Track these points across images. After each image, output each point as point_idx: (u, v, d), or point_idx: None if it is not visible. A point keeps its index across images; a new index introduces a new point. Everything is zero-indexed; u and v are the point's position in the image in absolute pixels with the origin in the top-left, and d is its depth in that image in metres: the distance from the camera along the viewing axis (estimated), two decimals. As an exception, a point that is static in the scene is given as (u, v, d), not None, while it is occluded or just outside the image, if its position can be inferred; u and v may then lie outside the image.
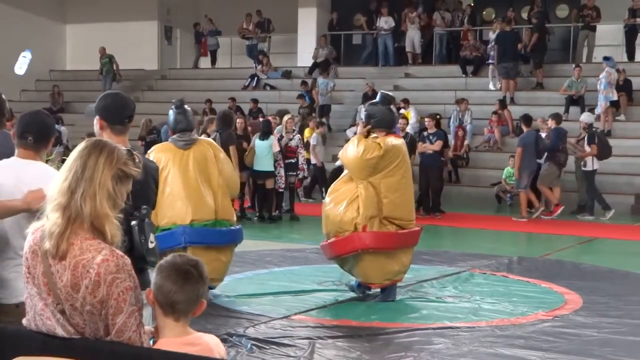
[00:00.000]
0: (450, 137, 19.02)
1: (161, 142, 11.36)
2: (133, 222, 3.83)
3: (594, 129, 16.22)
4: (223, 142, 13.57)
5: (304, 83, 23.06)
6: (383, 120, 8.37)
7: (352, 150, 8.29)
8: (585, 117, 16.47)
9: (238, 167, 13.93)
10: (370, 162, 8.12)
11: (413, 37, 23.65)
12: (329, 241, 8.36)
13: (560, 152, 15.65)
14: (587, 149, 15.70)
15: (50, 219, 2.86)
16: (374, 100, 8.89)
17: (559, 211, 15.41)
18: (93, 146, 2.95)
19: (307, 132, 18.22)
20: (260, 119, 16.29)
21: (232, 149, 13.60)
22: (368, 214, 8.05)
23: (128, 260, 2.87)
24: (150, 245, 3.96)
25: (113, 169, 2.91)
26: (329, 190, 8.61)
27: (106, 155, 2.92)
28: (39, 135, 4.23)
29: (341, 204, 8.19)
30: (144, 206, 3.95)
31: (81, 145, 2.98)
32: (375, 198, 8.09)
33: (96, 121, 4.29)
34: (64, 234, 2.83)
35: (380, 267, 8.23)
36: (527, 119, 15.96)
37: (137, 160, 3.02)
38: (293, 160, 14.87)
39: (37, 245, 2.90)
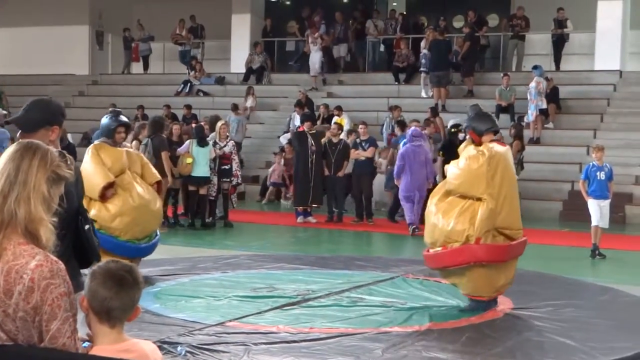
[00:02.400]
0: (383, 144, 19.15)
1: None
2: (87, 226, 3.85)
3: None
4: (155, 148, 13.52)
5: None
6: (482, 123, 8.21)
7: (457, 169, 8.07)
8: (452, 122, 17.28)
9: (170, 173, 13.85)
10: (480, 171, 7.89)
11: (314, 58, 23.22)
12: (434, 251, 8.17)
13: None
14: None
15: None
16: (471, 115, 8.64)
17: None
18: (25, 149, 2.89)
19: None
20: (193, 125, 16.18)
21: (164, 154, 13.53)
22: (485, 228, 7.84)
23: (62, 266, 2.82)
24: None
25: (47, 171, 2.85)
26: (434, 198, 8.35)
27: (40, 157, 2.86)
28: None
29: (451, 213, 7.97)
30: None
31: (12, 148, 2.91)
32: (494, 211, 7.87)
33: (49, 131, 4.30)
34: (-4, 239, 2.76)
35: (490, 280, 8.04)
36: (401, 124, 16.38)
37: (69, 162, 2.99)
38: (227, 167, 14.82)
39: (-32, 251, 2.82)
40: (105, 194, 9.15)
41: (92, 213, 9.02)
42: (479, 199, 7.91)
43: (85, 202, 9.30)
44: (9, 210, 2.78)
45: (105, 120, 9.53)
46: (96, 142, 9.62)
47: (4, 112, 14.96)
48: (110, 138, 9.36)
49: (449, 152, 13.95)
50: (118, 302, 2.93)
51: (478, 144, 8.18)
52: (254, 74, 24.50)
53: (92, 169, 9.12)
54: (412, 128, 15.06)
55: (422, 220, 14.11)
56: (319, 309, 8.25)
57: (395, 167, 14.64)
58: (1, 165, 2.86)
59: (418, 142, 14.44)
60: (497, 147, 8.12)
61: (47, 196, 2.84)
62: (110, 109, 10.10)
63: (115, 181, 9.29)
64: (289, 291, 8.88)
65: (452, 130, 15.03)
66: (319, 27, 24.05)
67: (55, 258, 2.82)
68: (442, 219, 8.04)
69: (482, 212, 7.83)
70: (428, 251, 8.33)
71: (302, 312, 8.17)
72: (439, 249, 8.08)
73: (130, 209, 9.29)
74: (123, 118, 9.47)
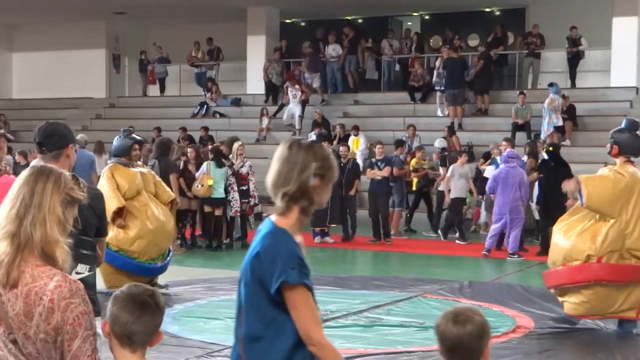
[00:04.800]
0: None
1: None
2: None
3: (445, 153, 17.06)
4: (162, 170, 13.48)
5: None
6: (630, 146, 8.17)
7: (599, 188, 7.98)
8: (437, 142, 17.61)
9: (178, 194, 13.92)
10: (622, 192, 7.87)
11: (293, 111, 22.56)
12: (554, 269, 8.15)
13: None
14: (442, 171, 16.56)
15: None
16: (620, 127, 8.51)
17: None
18: (39, 172, 2.93)
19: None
20: (209, 147, 16.23)
21: (172, 177, 13.51)
22: (609, 248, 7.77)
23: (81, 285, 2.84)
24: (77, 277, 3.90)
25: (61, 194, 2.89)
26: (559, 219, 8.42)
27: (53, 180, 2.90)
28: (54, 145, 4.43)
29: (572, 232, 7.96)
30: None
31: (26, 172, 2.95)
32: (623, 232, 7.81)
33: (70, 149, 4.44)
34: (14, 262, 2.79)
35: (607, 300, 7.95)
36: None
37: (81, 185, 3.01)
38: (244, 188, 14.84)
39: (-14, 275, 2.84)
40: (116, 218, 9.30)
41: (109, 236, 9.16)
42: (604, 219, 7.84)
43: None
44: (25, 232, 2.81)
45: (118, 140, 9.77)
46: (110, 163, 9.79)
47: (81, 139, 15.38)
48: (126, 156, 9.53)
49: (546, 171, 13.92)
50: (140, 326, 2.92)
51: (613, 156, 8.18)
52: (273, 90, 24.56)
53: (105, 192, 9.21)
54: (508, 150, 14.63)
55: (522, 247, 14.14)
56: (337, 329, 8.24)
57: (487, 187, 14.54)
58: (16, 189, 2.90)
59: (513, 163, 14.19)
60: (633, 169, 8.08)
61: (62, 218, 2.87)
62: (122, 129, 10.40)
63: (126, 206, 9.45)
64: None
65: (550, 149, 14.78)
66: (300, 79, 23.68)
67: (73, 278, 2.85)
68: (563, 237, 8.00)
69: (609, 232, 7.76)
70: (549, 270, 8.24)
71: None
72: (560, 267, 8.00)
73: (148, 232, 9.44)
74: (136, 136, 9.77)
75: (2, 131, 4.69)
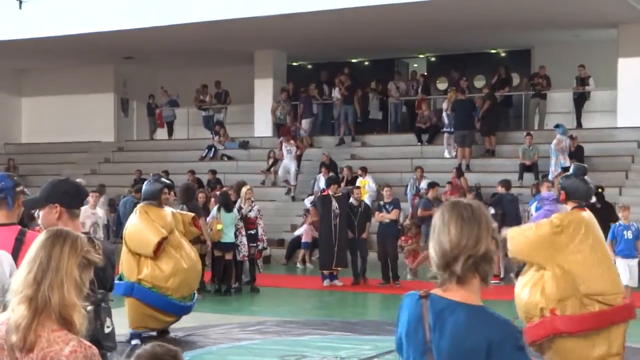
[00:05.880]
0: (407, 205, 19.18)
1: None
2: (89, 307, 3.80)
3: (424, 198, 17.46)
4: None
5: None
6: (577, 191, 7.98)
7: (518, 239, 7.85)
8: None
9: (208, 238, 14.05)
10: (548, 239, 7.59)
11: (289, 166, 22.45)
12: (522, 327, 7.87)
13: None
14: None
15: (17, 312, 2.84)
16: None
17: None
18: (56, 236, 2.95)
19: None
20: (218, 193, 16.32)
21: (201, 221, 13.55)
22: (556, 297, 7.47)
23: (96, 350, 2.86)
24: (107, 330, 3.90)
25: (78, 257, 2.92)
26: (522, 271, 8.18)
27: (70, 244, 2.93)
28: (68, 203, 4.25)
29: (526, 287, 7.71)
30: (100, 290, 3.92)
31: (43, 236, 2.98)
32: (565, 279, 7.47)
33: (50, 209, 4.22)
34: (30, 326, 2.82)
35: (581, 352, 7.57)
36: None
37: (97, 247, 3.04)
38: (253, 232, 14.87)
39: (3, 339, 2.87)
40: (159, 249, 9.61)
41: (144, 273, 9.48)
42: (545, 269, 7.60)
43: (135, 262, 9.81)
44: (42, 296, 2.84)
45: (148, 184, 10.13)
46: (141, 204, 10.08)
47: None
48: (156, 200, 9.85)
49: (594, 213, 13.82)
50: None
51: (562, 202, 8.11)
52: (282, 128, 24.67)
53: (143, 227, 9.57)
54: (547, 192, 14.49)
55: None
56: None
57: None
58: (33, 253, 2.93)
59: (553, 206, 14.07)
60: (575, 214, 7.81)
61: (79, 281, 2.90)
62: (151, 174, 10.96)
63: (168, 237, 9.72)
64: (318, 359, 8.85)
65: (599, 190, 14.66)
66: (295, 135, 23.64)
67: (88, 343, 2.87)
68: (520, 293, 7.75)
69: (553, 280, 7.46)
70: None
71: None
72: (527, 325, 7.70)
73: (183, 270, 9.74)
74: (165, 180, 10.16)
75: (21, 187, 4.55)
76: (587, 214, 7.88)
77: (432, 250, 2.82)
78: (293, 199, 22.34)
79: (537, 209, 14.28)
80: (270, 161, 23.20)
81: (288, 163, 22.47)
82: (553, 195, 14.54)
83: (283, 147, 22.70)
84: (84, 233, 3.22)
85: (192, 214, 10.88)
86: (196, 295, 10.46)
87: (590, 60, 22.34)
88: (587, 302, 7.44)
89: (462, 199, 2.91)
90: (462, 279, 2.75)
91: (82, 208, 4.83)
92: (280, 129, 24.45)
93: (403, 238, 16.94)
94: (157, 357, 2.96)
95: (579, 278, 7.43)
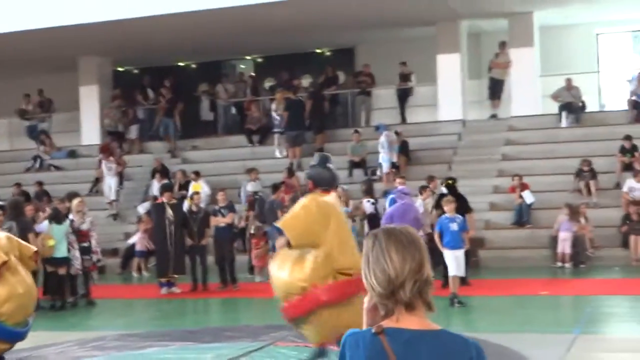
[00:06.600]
0: (241, 207, 19.25)
1: None
2: None
3: (256, 197, 17.98)
4: (21, 231, 12.99)
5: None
6: (322, 179, 8.44)
7: (295, 229, 8.23)
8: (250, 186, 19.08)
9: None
10: (314, 221, 8.09)
11: (110, 183, 22.22)
12: (283, 306, 8.26)
13: None
14: None
15: None
16: (312, 163, 8.88)
17: None
18: None
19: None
20: (47, 209, 15.88)
21: (31, 237, 13.13)
22: (320, 274, 7.95)
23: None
24: None
25: None
26: (276, 255, 8.50)
27: None
28: None
29: (284, 267, 8.08)
30: None
31: None
32: (329, 257, 8.01)
33: None
34: None
35: (336, 322, 7.93)
36: None
37: None
38: (86, 244, 14.59)
39: None
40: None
41: None
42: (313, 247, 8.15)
43: None
44: None
45: None
46: None
47: None
48: None
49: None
50: None
51: (310, 191, 8.56)
52: (118, 137, 24.22)
53: None
54: (401, 187, 14.92)
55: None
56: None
57: (384, 224, 14.49)
58: None
59: (407, 199, 14.43)
60: (327, 198, 8.44)
61: None
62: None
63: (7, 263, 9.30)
64: (161, 372, 8.81)
65: (449, 182, 15.11)
66: (114, 153, 23.24)
67: None
68: (277, 270, 8.23)
69: (316, 259, 8.04)
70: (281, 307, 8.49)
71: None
72: (285, 304, 8.23)
73: (18, 295, 9.26)
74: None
75: None
76: (331, 198, 8.55)
77: (372, 279, 2.63)
78: (115, 217, 21.92)
79: (392, 202, 14.73)
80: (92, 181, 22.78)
81: (109, 180, 22.13)
82: (407, 189, 15.05)
83: (103, 165, 22.29)
84: None
85: (34, 249, 10.29)
86: (31, 319, 10.00)
87: (411, 57, 23.13)
88: (337, 276, 8.12)
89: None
90: (410, 306, 2.62)
91: None
92: (110, 135, 24.08)
93: (254, 241, 17.07)
94: None
95: (334, 255, 8.09)
